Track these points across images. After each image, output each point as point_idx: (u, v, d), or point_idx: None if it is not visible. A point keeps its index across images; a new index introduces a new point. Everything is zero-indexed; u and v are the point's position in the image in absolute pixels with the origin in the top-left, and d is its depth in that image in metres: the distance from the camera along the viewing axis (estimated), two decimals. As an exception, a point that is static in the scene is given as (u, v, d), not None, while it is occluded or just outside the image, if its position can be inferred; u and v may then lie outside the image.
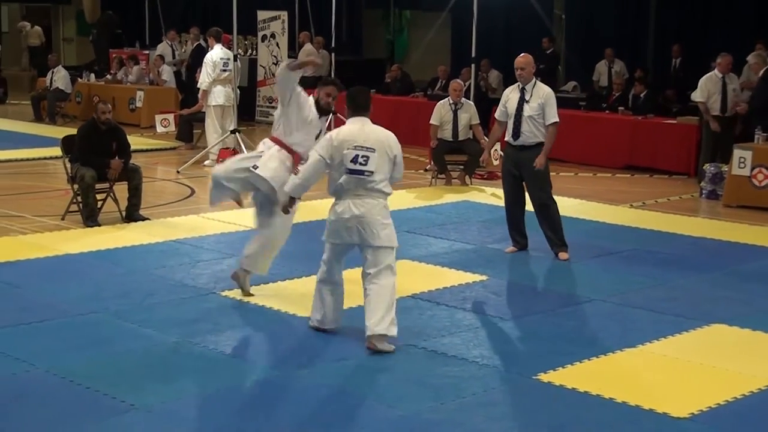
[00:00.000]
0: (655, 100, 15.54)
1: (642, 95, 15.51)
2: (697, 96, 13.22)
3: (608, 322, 7.38)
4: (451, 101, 13.14)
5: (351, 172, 6.68)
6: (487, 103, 16.48)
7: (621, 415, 5.64)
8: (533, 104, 9.07)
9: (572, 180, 13.97)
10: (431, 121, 13.20)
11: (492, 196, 12.43)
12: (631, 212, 11.60)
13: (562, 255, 9.13)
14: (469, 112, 13.21)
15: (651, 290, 8.18)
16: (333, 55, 17.78)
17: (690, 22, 18.29)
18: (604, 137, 15.13)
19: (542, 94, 9.11)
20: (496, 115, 9.52)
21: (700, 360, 6.57)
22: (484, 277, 8.48)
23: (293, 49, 19.58)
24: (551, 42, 18.85)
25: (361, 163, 6.68)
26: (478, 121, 13.32)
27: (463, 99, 13.32)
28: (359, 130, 6.81)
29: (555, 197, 9.43)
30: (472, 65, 15.36)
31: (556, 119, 9.06)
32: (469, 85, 15.15)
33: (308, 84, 19.13)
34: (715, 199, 12.39)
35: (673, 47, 17.38)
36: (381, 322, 6.55)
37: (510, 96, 9.26)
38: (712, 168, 12.54)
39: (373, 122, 7.02)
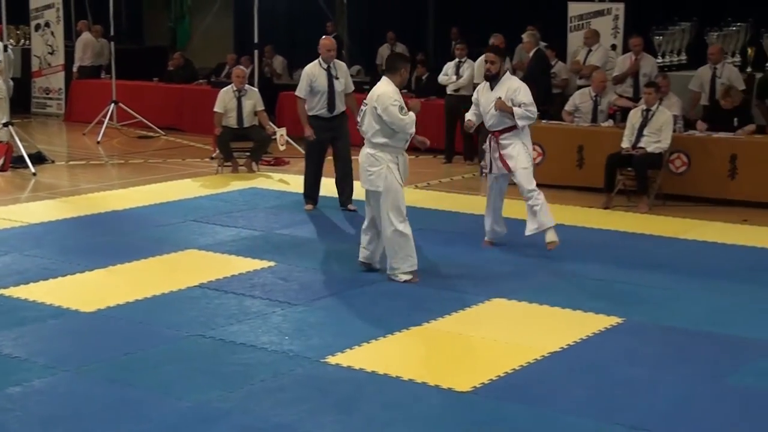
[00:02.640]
0: (437, 82, 15.90)
1: (424, 77, 15.85)
2: (473, 78, 13.65)
3: (395, 301, 7.50)
4: (235, 88, 13.04)
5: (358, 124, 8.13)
6: (272, 90, 16.47)
7: (408, 392, 5.74)
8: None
9: (356, 163, 14.10)
10: (215, 109, 13.04)
11: (279, 182, 12.43)
12: (417, 193, 11.82)
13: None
14: (253, 99, 13.15)
15: (436, 268, 8.38)
16: (113, 43, 17.28)
17: (468, 5, 18.79)
18: (388, 120, 15.32)
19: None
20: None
21: (482, 334, 6.78)
22: (272, 263, 8.46)
23: (70, 38, 18.97)
24: (335, 26, 18.97)
25: (360, 116, 8.09)
26: (263, 108, 13.28)
27: (247, 86, 13.24)
28: (374, 88, 8.06)
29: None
30: (255, 51, 15.30)
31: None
32: (252, 70, 15.09)
33: (85, 74, 18.62)
34: (495, 177, 12.77)
35: (452, 30, 17.80)
36: (389, 268, 7.96)
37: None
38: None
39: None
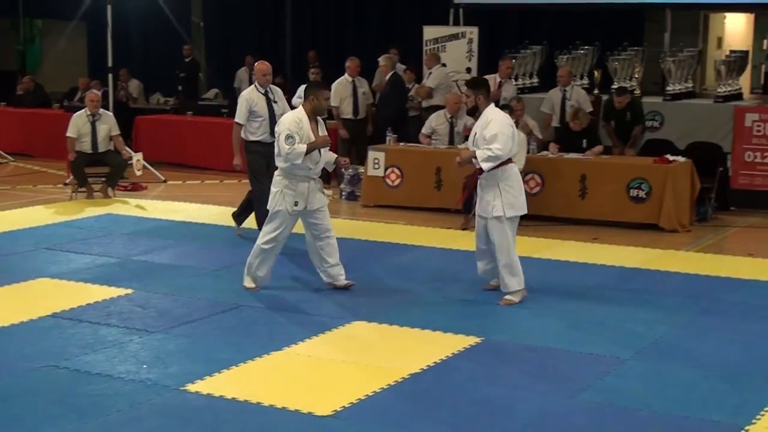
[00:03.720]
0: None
1: (282, 101, 15.81)
2: (330, 101, 13.72)
3: (255, 326, 7.45)
4: (89, 113, 12.79)
5: None
6: (128, 114, 16.22)
7: (269, 418, 5.70)
8: None
9: (217, 187, 14.02)
10: (68, 134, 12.78)
11: (136, 207, 12.22)
12: (276, 217, 11.78)
13: None
14: (108, 123, 12.94)
15: (297, 293, 8.36)
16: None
17: (325, 29, 18.93)
18: (247, 144, 15.29)
19: None
20: None
21: (342, 357, 6.79)
22: (129, 291, 8.30)
23: None
24: (192, 50, 18.82)
25: None
26: (119, 132, 13.07)
27: (102, 110, 13.00)
28: None
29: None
30: (110, 75, 15.04)
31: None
32: (107, 95, 14.84)
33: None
34: (354, 200, 12.87)
35: (309, 53, 17.87)
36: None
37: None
38: (350, 170, 13.03)
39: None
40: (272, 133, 9.97)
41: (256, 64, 10.64)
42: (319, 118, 8.23)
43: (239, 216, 10.69)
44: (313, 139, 8.02)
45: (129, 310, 7.79)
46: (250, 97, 10.24)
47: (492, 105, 8.16)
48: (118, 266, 9.21)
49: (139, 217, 11.60)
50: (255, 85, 10.36)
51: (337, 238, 10.48)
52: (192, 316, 7.66)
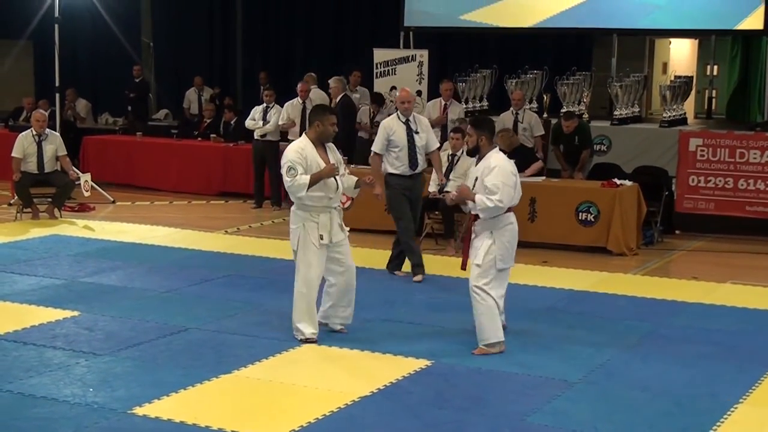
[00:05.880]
0: (245, 127, 15.92)
1: (232, 122, 15.81)
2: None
3: (204, 349, 7.39)
4: (35, 133, 12.67)
5: None
6: (75, 133, 16.08)
7: (217, 442, 5.67)
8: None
9: (167, 208, 13.94)
10: (13, 154, 12.67)
11: (84, 228, 12.10)
12: (226, 238, 11.75)
13: (418, 278, 9.79)
14: (54, 144, 12.84)
15: (245, 315, 8.30)
16: None
17: (276, 50, 18.95)
18: (197, 164, 15.26)
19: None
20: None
21: (292, 380, 6.75)
22: (75, 313, 8.21)
23: None
24: (141, 70, 18.73)
25: None
26: (66, 152, 12.95)
27: (48, 130, 12.89)
28: None
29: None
30: (57, 95, 14.92)
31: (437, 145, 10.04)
32: (53, 114, 14.73)
33: None
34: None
35: (260, 74, 17.87)
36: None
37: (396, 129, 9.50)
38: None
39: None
40: (411, 165, 9.62)
41: (398, 91, 10.25)
42: (330, 144, 7.74)
43: (392, 263, 10.12)
44: (322, 166, 7.50)
45: (75, 333, 7.70)
46: (388, 125, 9.68)
47: (496, 149, 7.56)
48: (64, 288, 9.11)
49: (86, 238, 11.49)
50: (396, 114, 9.81)
51: (286, 260, 10.50)
52: (140, 338, 7.59)
